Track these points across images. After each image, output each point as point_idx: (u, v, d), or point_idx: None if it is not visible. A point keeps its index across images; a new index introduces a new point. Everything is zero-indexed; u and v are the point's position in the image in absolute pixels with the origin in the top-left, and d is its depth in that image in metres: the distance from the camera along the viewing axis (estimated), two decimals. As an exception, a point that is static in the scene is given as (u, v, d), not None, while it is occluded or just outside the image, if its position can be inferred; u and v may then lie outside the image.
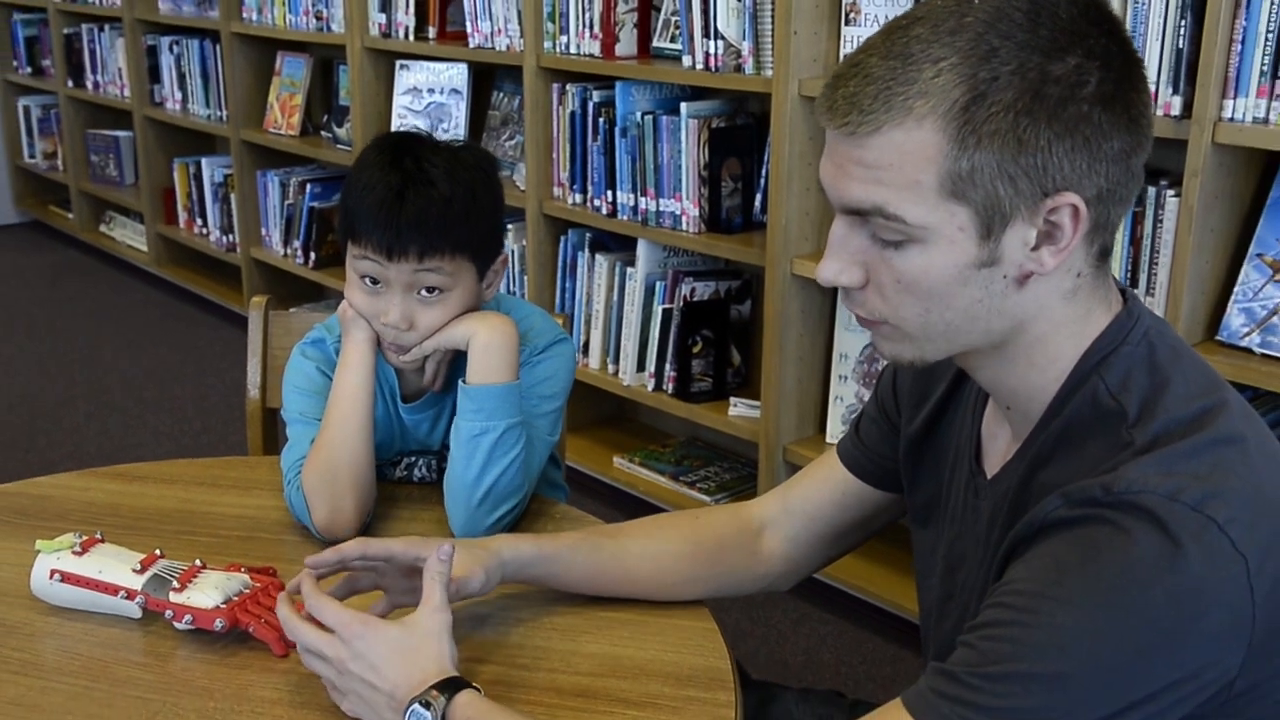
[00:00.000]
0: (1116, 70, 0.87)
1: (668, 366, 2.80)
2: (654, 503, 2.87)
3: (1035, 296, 0.91)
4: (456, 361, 1.41)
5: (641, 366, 2.88)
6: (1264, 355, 1.89)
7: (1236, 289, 1.94)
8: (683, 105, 2.66)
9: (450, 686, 1.01)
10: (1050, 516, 0.87)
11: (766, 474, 2.60)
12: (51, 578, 1.19)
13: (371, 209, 1.32)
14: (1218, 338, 1.95)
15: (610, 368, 2.96)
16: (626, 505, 2.94)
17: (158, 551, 1.22)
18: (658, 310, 2.81)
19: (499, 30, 3.04)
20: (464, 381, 1.36)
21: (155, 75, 4.61)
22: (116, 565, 1.19)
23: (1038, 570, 0.86)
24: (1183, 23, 1.87)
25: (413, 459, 1.50)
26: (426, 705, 0.99)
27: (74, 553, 1.20)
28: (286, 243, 4.06)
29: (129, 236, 5.11)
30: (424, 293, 1.35)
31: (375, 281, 1.36)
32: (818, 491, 1.25)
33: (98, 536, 1.24)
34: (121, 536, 1.28)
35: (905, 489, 1.17)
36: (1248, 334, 1.92)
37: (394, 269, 1.33)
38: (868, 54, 0.88)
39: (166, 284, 4.83)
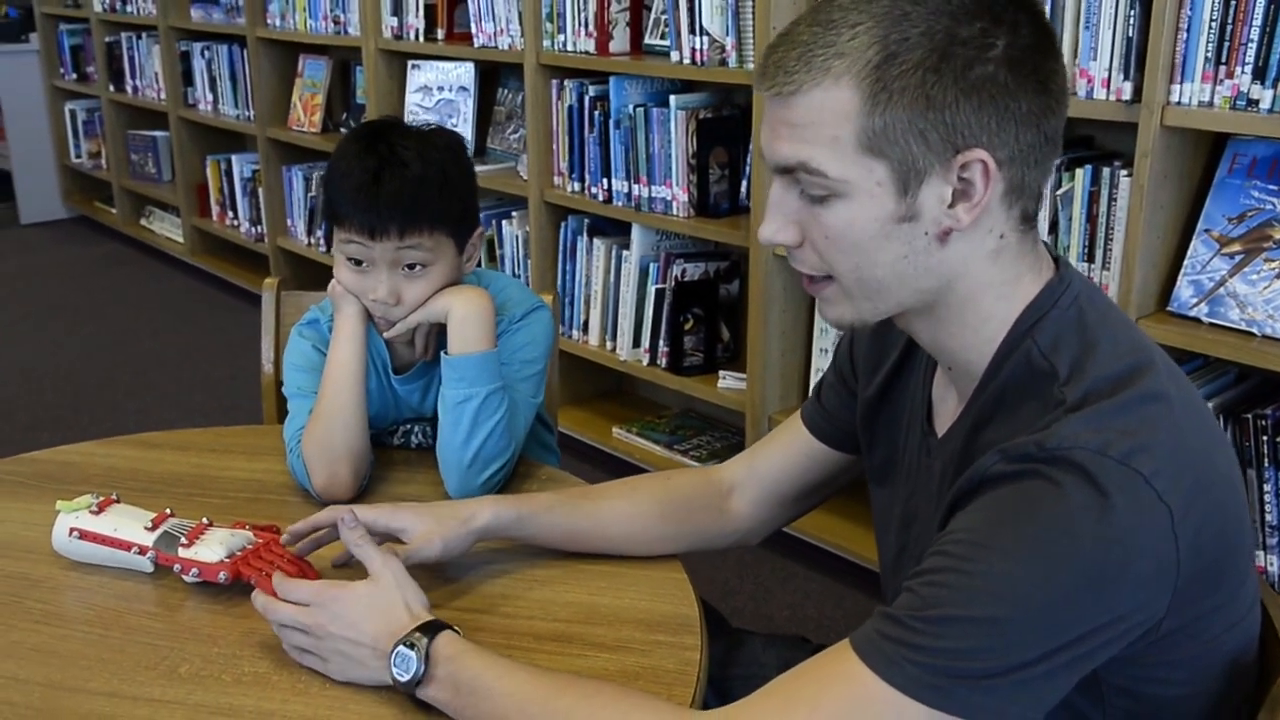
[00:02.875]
0: (1025, 38, 0.87)
1: (661, 342, 2.80)
2: (651, 470, 2.86)
3: (959, 254, 0.91)
4: (443, 334, 1.40)
5: (637, 343, 2.88)
6: (1211, 324, 1.88)
7: (1186, 262, 1.93)
8: (672, 98, 2.65)
9: (430, 629, 1.00)
10: (989, 471, 0.86)
11: (753, 442, 2.59)
12: (71, 535, 1.20)
13: (350, 193, 1.32)
14: (1168, 308, 1.94)
15: (608, 344, 2.95)
16: (626, 473, 2.89)
17: (168, 511, 1.23)
18: (651, 290, 2.80)
19: (501, 30, 3.03)
20: (445, 352, 1.36)
21: (188, 79, 4.61)
22: (130, 523, 1.20)
23: (977, 521, 0.86)
24: (1132, 13, 1.86)
25: (409, 426, 1.50)
26: (411, 646, 0.99)
27: (91, 512, 1.21)
28: (310, 232, 4.07)
29: (166, 229, 5.12)
30: (408, 268, 1.35)
31: (361, 262, 1.35)
32: (783, 455, 1.25)
33: (113, 497, 1.25)
34: (138, 498, 1.28)
35: (863, 450, 1.16)
36: (1196, 304, 1.90)
37: (378, 248, 1.33)
38: (797, 24, 0.89)
39: (201, 272, 4.84)
